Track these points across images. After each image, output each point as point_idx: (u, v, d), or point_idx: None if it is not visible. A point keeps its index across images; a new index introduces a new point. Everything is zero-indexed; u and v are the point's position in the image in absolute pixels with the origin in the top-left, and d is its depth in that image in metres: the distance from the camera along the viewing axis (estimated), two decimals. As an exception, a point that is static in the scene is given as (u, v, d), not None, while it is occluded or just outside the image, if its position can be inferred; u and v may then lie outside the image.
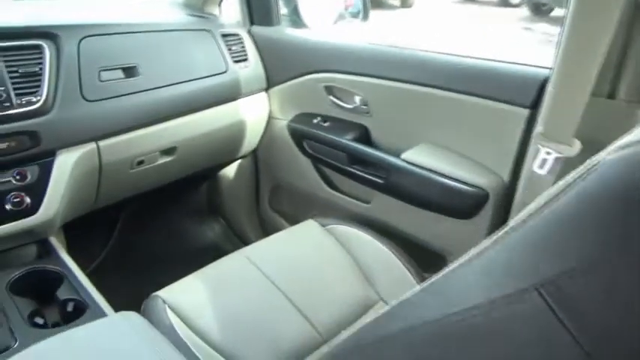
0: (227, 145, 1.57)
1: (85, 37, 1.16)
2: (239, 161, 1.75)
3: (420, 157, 1.24)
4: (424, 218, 1.28)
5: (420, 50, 1.30)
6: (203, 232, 1.89)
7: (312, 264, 1.16)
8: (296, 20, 1.56)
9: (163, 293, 1.02)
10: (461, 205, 1.19)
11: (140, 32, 1.29)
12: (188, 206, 1.89)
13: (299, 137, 1.52)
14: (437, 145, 1.26)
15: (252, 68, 1.52)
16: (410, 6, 9.47)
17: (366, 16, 1.62)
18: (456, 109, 1.19)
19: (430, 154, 1.25)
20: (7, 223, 1.03)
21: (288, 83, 1.53)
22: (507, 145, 1.13)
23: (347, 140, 1.37)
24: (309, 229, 1.27)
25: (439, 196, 1.21)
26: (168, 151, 1.36)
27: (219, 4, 1.68)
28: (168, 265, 1.75)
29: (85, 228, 1.41)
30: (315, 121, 1.47)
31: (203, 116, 1.40)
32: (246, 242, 1.88)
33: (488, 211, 1.17)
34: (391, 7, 9.39)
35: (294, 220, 1.74)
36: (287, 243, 1.23)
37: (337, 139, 1.38)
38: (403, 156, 1.26)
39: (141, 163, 1.30)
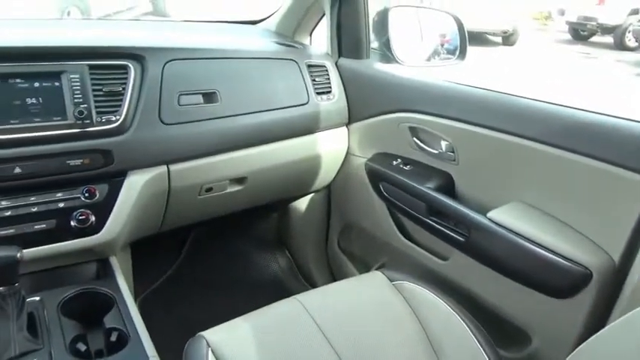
0: (300, 178, 1.51)
1: (169, 61, 1.16)
2: (311, 195, 1.68)
3: (510, 218, 1.08)
4: (509, 288, 1.11)
5: (522, 97, 1.14)
6: (268, 263, 1.83)
7: (373, 323, 1.04)
8: (387, 55, 1.48)
9: (209, 335, 0.96)
10: (556, 281, 1.01)
11: (224, 58, 1.28)
12: (255, 236, 1.85)
13: (376, 178, 1.41)
14: (531, 206, 1.10)
15: (335, 101, 1.45)
16: (513, 44, 9.08)
17: (463, 55, 1.49)
18: (561, 168, 1.02)
19: (522, 216, 1.08)
20: (70, 239, 1.03)
21: (371, 120, 1.44)
22: (622, 219, 0.94)
23: (428, 189, 1.24)
24: (375, 281, 1.15)
25: (530, 267, 1.04)
26: (238, 181, 1.32)
27: (310, 34, 1.65)
28: (228, 293, 1.72)
29: (154, 247, 1.41)
30: (395, 162, 1.36)
31: (278, 147, 1.35)
32: (309, 279, 1.79)
33: (590, 293, 0.98)
34: (493, 44, 9.06)
35: (361, 264, 1.63)
36: (349, 295, 1.12)
37: (417, 186, 1.26)
38: (490, 214, 1.10)
39: (209, 190, 1.27)
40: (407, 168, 1.33)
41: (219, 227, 1.77)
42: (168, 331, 1.07)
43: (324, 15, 1.54)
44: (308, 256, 1.78)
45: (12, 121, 0.98)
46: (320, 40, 1.66)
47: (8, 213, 0.98)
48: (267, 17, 1.71)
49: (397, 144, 1.37)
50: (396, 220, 1.42)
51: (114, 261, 1.12)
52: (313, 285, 1.76)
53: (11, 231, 0.98)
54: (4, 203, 0.98)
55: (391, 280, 1.15)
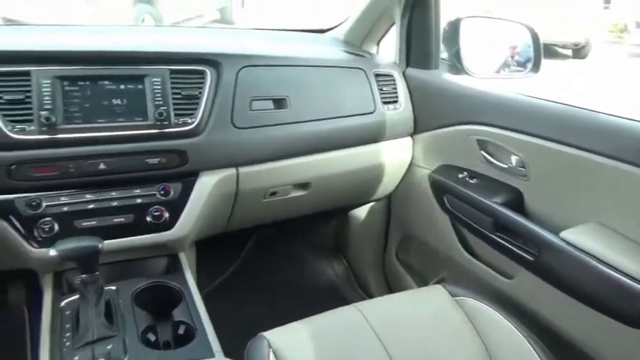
0: (362, 187, 1.51)
1: (244, 67, 1.20)
2: (371, 204, 1.67)
3: (585, 239, 1.03)
4: (580, 313, 1.05)
5: (600, 112, 1.09)
6: (324, 269, 1.84)
7: (433, 338, 1.02)
8: (456, 66, 1.45)
9: (270, 335, 0.98)
10: (633, 309, 0.95)
11: (294, 66, 1.31)
12: (313, 241, 1.87)
13: (440, 190, 1.39)
14: (609, 228, 1.04)
15: (401, 111, 1.44)
16: (584, 57, 8.65)
17: (536, 67, 1.44)
18: (643, 189, 0.96)
19: (599, 237, 1.02)
20: (145, 234, 1.09)
21: (437, 131, 1.42)
22: None
23: (495, 204, 1.20)
24: (436, 295, 1.14)
25: (604, 292, 0.98)
26: (301, 186, 1.34)
27: (378, 43, 1.66)
28: (285, 295, 1.75)
29: (216, 246, 1.46)
30: (460, 175, 1.34)
31: (343, 155, 1.36)
32: (365, 287, 1.79)
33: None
34: (562, 56, 8.68)
35: (419, 277, 1.60)
36: (409, 307, 1.11)
37: (484, 200, 1.23)
38: (563, 234, 1.06)
39: (274, 194, 1.30)
40: (473, 181, 1.30)
41: (279, 230, 1.81)
42: (226, 328, 1.10)
43: (392, 24, 1.54)
44: (365, 265, 1.77)
45: (99, 120, 1.05)
46: (387, 50, 1.66)
47: (92, 206, 1.05)
48: (335, 26, 1.73)
49: (464, 156, 1.35)
50: (458, 234, 1.39)
51: (183, 257, 1.17)
52: (369, 294, 1.75)
53: (93, 223, 1.05)
54: (89, 196, 1.05)
55: (452, 295, 1.12)
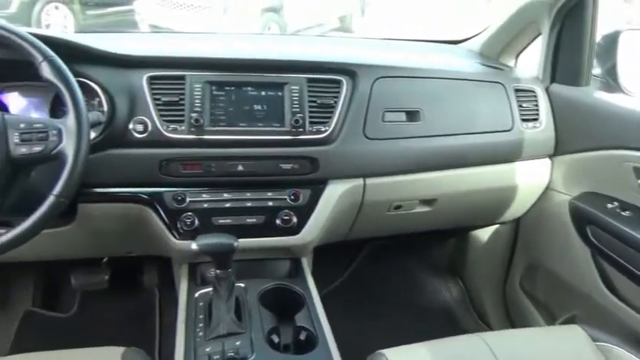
0: (490, 207, 1.42)
1: (379, 78, 1.19)
2: (496, 226, 1.57)
3: None
4: None
5: None
6: (438, 289, 1.76)
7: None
8: (610, 83, 1.31)
9: (390, 354, 0.95)
10: None
11: (429, 78, 1.27)
12: (429, 258, 1.80)
13: (582, 220, 1.26)
14: None
15: (541, 130, 1.33)
16: None
17: None
18: None
19: None
20: (274, 236, 1.12)
21: (583, 154, 1.29)
22: None
23: (654, 242, 1.06)
24: (573, 336, 1.02)
25: None
26: (427, 202, 1.30)
27: (517, 56, 1.55)
28: (395, 310, 1.70)
29: (330, 253, 1.46)
30: (609, 205, 1.19)
31: (474, 172, 1.29)
32: (482, 314, 1.68)
33: None
34: None
35: (546, 311, 1.47)
36: (542, 346, 1.01)
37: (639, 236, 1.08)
38: None
39: (398, 207, 1.27)
40: (626, 214, 1.16)
41: (393, 243, 1.77)
42: (336, 336, 1.09)
43: (537, 36, 1.43)
44: (483, 290, 1.67)
45: (241, 124, 1.11)
46: (523, 63, 1.55)
47: (228, 205, 1.11)
48: (470, 37, 1.66)
49: (615, 185, 1.20)
50: (600, 269, 1.24)
51: (305, 262, 1.19)
52: (486, 322, 1.64)
53: (228, 221, 1.10)
54: (226, 195, 1.11)
55: (593, 340, 1.00)
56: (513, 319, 1.60)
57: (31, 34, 0.87)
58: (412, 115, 1.21)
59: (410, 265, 1.81)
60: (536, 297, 1.52)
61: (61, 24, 5.19)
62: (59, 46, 0.91)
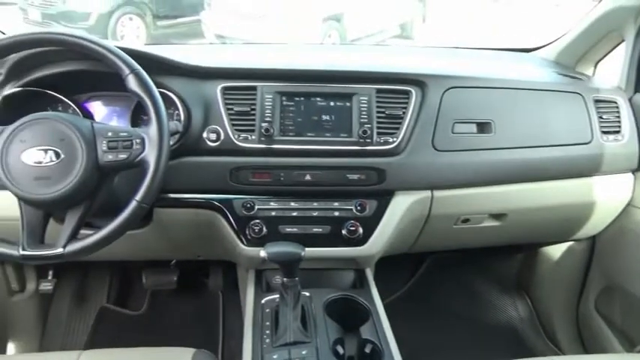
0: (564, 224, 1.35)
1: (449, 88, 1.16)
2: (570, 243, 1.49)
3: None
4: None
5: None
6: (505, 307, 1.70)
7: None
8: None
9: None
10: None
11: (502, 88, 1.22)
12: (492, 274, 1.74)
13: (669, 241, 1.17)
14: None
15: (624, 143, 1.25)
16: None
17: None
18: None
19: None
20: (339, 246, 1.12)
21: (671, 170, 1.20)
22: None
23: None
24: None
25: None
26: (496, 216, 1.25)
27: (595, 65, 1.47)
28: (458, 326, 1.65)
29: (390, 264, 1.45)
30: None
31: (548, 187, 1.23)
32: (551, 336, 1.60)
33: None
34: None
35: (624, 337, 1.38)
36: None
37: None
38: None
39: (466, 221, 1.23)
40: None
41: (456, 257, 1.72)
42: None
43: (619, 43, 1.35)
44: (553, 310, 1.58)
45: (309, 134, 1.12)
46: (603, 72, 1.47)
47: (295, 214, 1.12)
48: (544, 45, 1.59)
49: None
50: (690, 296, 1.15)
51: (369, 273, 1.18)
52: (557, 345, 1.56)
53: (295, 230, 1.12)
54: (294, 204, 1.12)
55: None
56: (586, 343, 1.51)
57: (118, 47, 0.93)
58: (483, 127, 1.17)
59: (473, 280, 1.75)
60: (613, 321, 1.42)
61: (134, 34, 5.50)
62: (142, 58, 0.96)
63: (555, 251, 1.52)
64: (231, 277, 1.63)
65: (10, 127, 0.85)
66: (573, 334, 1.54)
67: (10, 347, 1.48)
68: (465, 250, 1.47)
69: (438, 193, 1.16)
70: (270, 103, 1.11)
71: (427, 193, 1.16)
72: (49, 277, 1.48)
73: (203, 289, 1.71)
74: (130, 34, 5.49)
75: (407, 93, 1.14)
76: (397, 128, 1.12)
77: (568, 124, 1.23)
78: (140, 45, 1.25)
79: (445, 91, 1.16)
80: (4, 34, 1.29)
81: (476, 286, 1.73)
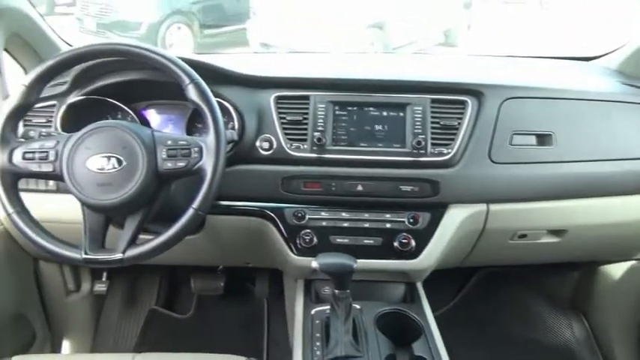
0: (628, 242, 1.28)
1: (507, 99, 1.13)
2: (633, 262, 1.41)
3: None
4: None
5: None
6: (558, 325, 1.62)
7: None
8: None
9: None
10: None
11: (563, 99, 1.17)
12: (547, 291, 1.66)
13: None
14: None
15: (695, 158, 1.17)
16: None
17: None
18: None
19: None
20: (391, 259, 1.10)
21: None
22: None
23: None
24: None
25: None
26: (556, 232, 1.20)
27: (663, 75, 1.39)
28: (508, 345, 1.59)
29: (439, 276, 1.41)
30: None
31: (611, 203, 1.17)
32: (608, 358, 1.51)
33: None
34: None
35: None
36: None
37: None
38: None
39: (523, 236, 1.19)
40: None
41: (507, 272, 1.66)
42: None
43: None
44: (612, 332, 1.50)
45: (361, 144, 1.11)
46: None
47: (346, 224, 1.11)
48: (605, 54, 1.52)
49: None
50: None
51: (420, 287, 1.15)
52: (614, 367, 1.48)
53: (346, 240, 1.10)
54: (345, 215, 1.11)
55: None
56: (650, 370, 1.42)
57: (179, 57, 0.95)
58: (543, 139, 1.13)
59: (525, 297, 1.68)
60: (680, 347, 1.34)
61: (182, 43, 5.67)
62: (201, 68, 0.97)
63: (616, 270, 1.44)
64: (277, 285, 1.63)
65: (77, 135, 0.88)
66: (634, 357, 1.45)
67: (65, 345, 1.53)
68: (516, 264, 1.42)
69: (493, 207, 1.13)
70: (323, 113, 1.10)
71: (482, 207, 1.12)
72: (103, 279, 1.52)
73: (249, 295, 1.72)
74: (178, 42, 5.65)
75: (463, 103, 1.11)
76: (452, 139, 1.10)
77: (635, 136, 1.16)
78: (197, 55, 1.28)
79: (503, 102, 1.12)
80: (70, 45, 1.34)
81: (528, 303, 1.67)
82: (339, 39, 5.22)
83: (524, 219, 1.15)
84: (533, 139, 1.13)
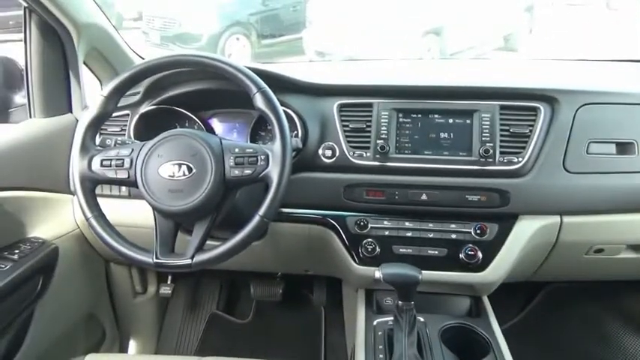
0: None
1: (583, 105, 1.06)
2: None
3: None
4: None
5: None
6: (633, 346, 1.50)
7: None
8: None
9: None
10: None
11: None
12: (621, 309, 1.55)
13: None
14: None
15: None
16: None
17: None
18: None
19: None
20: (457, 271, 1.06)
21: None
22: None
23: None
24: None
25: None
26: (636, 247, 1.12)
27: None
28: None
29: (504, 290, 1.35)
30: None
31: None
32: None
33: None
34: None
35: None
36: None
37: None
38: None
39: (599, 251, 1.12)
40: None
41: (577, 288, 1.57)
42: None
43: None
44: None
45: (426, 152, 1.08)
46: None
47: (409, 234, 1.09)
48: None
49: None
50: None
51: (486, 301, 1.11)
52: None
53: (409, 250, 1.08)
54: (408, 224, 1.09)
55: None
56: None
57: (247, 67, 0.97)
58: (624, 147, 1.06)
59: (597, 315, 1.58)
60: None
61: (240, 53, 5.83)
62: (267, 77, 0.99)
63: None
64: (335, 293, 1.62)
65: (150, 143, 0.92)
66: None
67: (132, 345, 1.59)
68: (590, 280, 1.33)
69: (567, 219, 1.06)
70: (386, 120, 1.09)
71: (555, 219, 1.07)
72: (168, 282, 1.57)
73: (306, 303, 1.73)
74: (237, 52, 5.81)
75: (534, 110, 1.06)
76: (523, 147, 1.05)
77: None
78: (262, 64, 1.30)
79: (579, 108, 1.06)
80: (142, 58, 1.41)
81: (599, 321, 1.56)
82: (395, 46, 5.19)
83: (602, 232, 1.08)
84: (612, 148, 1.06)
